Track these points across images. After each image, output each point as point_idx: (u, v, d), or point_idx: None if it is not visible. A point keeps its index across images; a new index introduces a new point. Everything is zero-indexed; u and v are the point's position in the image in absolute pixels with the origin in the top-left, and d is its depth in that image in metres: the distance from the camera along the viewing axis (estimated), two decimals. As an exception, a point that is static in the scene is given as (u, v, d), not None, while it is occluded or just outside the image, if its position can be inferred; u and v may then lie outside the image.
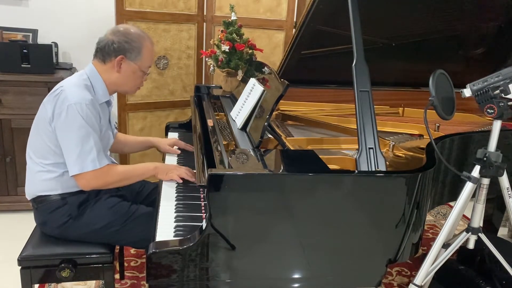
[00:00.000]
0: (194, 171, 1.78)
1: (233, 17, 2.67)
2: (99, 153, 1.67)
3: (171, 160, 2.13)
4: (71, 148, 1.64)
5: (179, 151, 2.15)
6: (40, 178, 1.73)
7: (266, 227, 1.35)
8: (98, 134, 1.69)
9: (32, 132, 1.77)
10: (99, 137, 1.70)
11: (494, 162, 1.50)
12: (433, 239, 1.64)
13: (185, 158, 2.12)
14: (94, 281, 2.29)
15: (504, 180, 1.59)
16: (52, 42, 3.02)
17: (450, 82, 1.57)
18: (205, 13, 3.17)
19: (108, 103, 1.84)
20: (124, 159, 3.16)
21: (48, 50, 2.85)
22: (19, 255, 1.67)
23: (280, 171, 1.41)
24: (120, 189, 1.90)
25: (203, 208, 1.62)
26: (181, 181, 1.77)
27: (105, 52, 1.74)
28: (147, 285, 1.38)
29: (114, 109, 3.05)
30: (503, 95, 1.44)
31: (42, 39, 3.12)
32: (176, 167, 1.82)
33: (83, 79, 1.73)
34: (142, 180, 2.07)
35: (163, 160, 2.17)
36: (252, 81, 1.93)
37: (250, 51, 2.66)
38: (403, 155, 1.74)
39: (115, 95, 2.97)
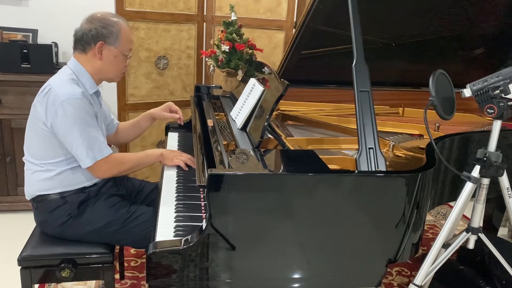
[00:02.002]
0: None
1: (233, 17, 2.67)
2: (103, 142, 1.72)
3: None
4: (78, 143, 1.65)
5: (177, 115, 2.17)
6: (38, 178, 1.74)
7: (266, 227, 1.35)
8: (96, 124, 1.73)
9: (27, 133, 1.77)
10: (98, 126, 1.74)
11: (494, 162, 1.50)
12: (433, 239, 1.64)
13: (184, 151, 2.13)
14: (94, 281, 2.29)
15: (504, 180, 1.59)
16: (52, 42, 3.02)
17: (450, 82, 1.57)
18: (205, 13, 3.17)
19: (97, 93, 1.84)
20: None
21: (48, 50, 2.85)
22: (19, 255, 1.67)
23: (280, 171, 1.41)
24: (120, 189, 1.90)
25: (203, 208, 1.62)
26: (186, 167, 1.87)
27: (84, 41, 1.75)
28: (147, 285, 1.38)
29: (114, 109, 3.05)
30: (503, 95, 1.44)
31: (42, 39, 3.12)
32: (180, 153, 1.92)
33: (68, 74, 1.74)
34: (142, 179, 2.09)
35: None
36: (252, 81, 1.93)
37: (250, 51, 2.66)
38: (403, 155, 1.74)
39: (114, 94, 2.98)
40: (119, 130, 2.15)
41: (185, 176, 1.88)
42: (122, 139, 2.23)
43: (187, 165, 1.90)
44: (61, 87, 1.67)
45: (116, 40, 1.75)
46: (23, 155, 1.80)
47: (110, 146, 1.82)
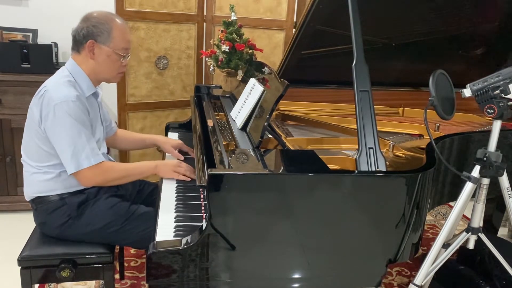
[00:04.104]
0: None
1: (233, 17, 2.67)
2: (93, 150, 1.67)
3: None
4: (64, 148, 1.63)
5: (182, 157, 2.06)
6: (37, 180, 1.73)
7: (266, 227, 1.35)
8: (89, 130, 1.69)
9: (24, 136, 1.76)
10: (91, 132, 1.70)
11: (494, 162, 1.50)
12: (433, 239, 1.64)
13: (185, 160, 2.11)
14: (94, 281, 2.29)
15: (504, 180, 1.59)
16: (52, 42, 3.02)
17: (450, 82, 1.57)
18: (205, 13, 3.17)
19: (95, 95, 1.82)
20: (124, 158, 3.16)
21: (48, 50, 2.85)
22: (19, 255, 1.67)
23: (280, 171, 1.41)
24: (119, 189, 1.89)
25: (203, 208, 1.62)
26: (186, 178, 1.78)
27: (77, 41, 1.73)
28: (147, 285, 1.38)
29: (114, 109, 3.05)
30: (503, 95, 1.44)
31: (42, 39, 3.12)
32: (177, 165, 1.82)
33: (65, 76, 1.72)
34: (142, 180, 2.08)
35: (163, 158, 2.17)
36: (252, 81, 1.93)
37: (250, 51, 2.66)
38: (403, 155, 1.74)
39: (114, 94, 2.97)
40: (119, 137, 2.12)
41: (185, 176, 1.87)
42: (120, 145, 2.20)
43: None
44: (56, 90, 1.65)
45: (108, 39, 1.70)
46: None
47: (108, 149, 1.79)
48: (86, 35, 1.70)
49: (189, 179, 1.79)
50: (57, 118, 1.62)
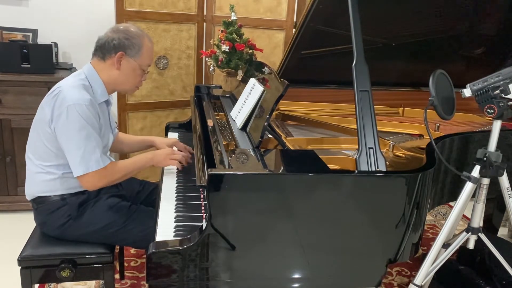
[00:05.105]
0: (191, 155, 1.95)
1: (233, 17, 2.67)
2: (101, 154, 1.68)
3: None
4: (74, 150, 1.64)
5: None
6: (40, 179, 1.73)
7: (266, 227, 1.35)
8: (98, 134, 1.70)
9: (31, 134, 1.76)
10: (100, 136, 1.71)
11: (494, 162, 1.50)
12: (433, 239, 1.64)
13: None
14: (94, 281, 2.29)
15: (504, 180, 1.59)
16: (52, 42, 3.02)
17: (450, 82, 1.57)
18: (205, 13, 3.17)
19: (107, 102, 1.83)
20: (123, 155, 3.15)
21: (48, 50, 2.85)
22: (19, 255, 1.67)
23: (280, 171, 1.41)
24: (120, 189, 1.90)
25: (203, 208, 1.62)
26: (180, 166, 1.86)
27: (105, 49, 1.74)
28: (147, 285, 1.38)
29: (114, 109, 3.05)
30: (503, 95, 1.44)
31: (42, 39, 3.12)
32: (172, 152, 1.88)
33: (81, 79, 1.72)
34: (142, 180, 2.09)
35: None
36: (252, 81, 1.93)
37: (250, 51, 2.66)
38: (403, 155, 1.74)
39: (114, 95, 2.97)
40: (124, 141, 2.13)
41: (185, 176, 1.88)
42: (125, 149, 2.20)
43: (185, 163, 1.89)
44: (70, 91, 1.65)
45: (137, 53, 1.74)
46: (23, 155, 1.80)
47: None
48: (118, 46, 1.72)
49: (186, 165, 1.86)
50: (69, 119, 1.62)
